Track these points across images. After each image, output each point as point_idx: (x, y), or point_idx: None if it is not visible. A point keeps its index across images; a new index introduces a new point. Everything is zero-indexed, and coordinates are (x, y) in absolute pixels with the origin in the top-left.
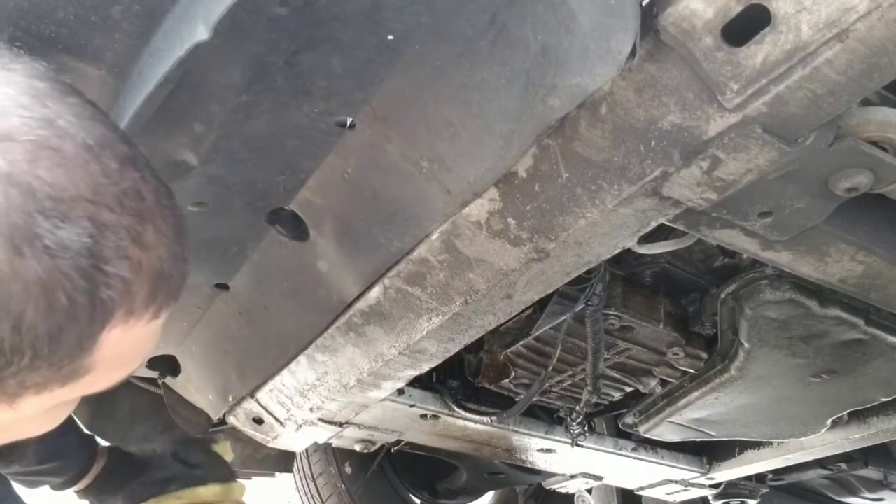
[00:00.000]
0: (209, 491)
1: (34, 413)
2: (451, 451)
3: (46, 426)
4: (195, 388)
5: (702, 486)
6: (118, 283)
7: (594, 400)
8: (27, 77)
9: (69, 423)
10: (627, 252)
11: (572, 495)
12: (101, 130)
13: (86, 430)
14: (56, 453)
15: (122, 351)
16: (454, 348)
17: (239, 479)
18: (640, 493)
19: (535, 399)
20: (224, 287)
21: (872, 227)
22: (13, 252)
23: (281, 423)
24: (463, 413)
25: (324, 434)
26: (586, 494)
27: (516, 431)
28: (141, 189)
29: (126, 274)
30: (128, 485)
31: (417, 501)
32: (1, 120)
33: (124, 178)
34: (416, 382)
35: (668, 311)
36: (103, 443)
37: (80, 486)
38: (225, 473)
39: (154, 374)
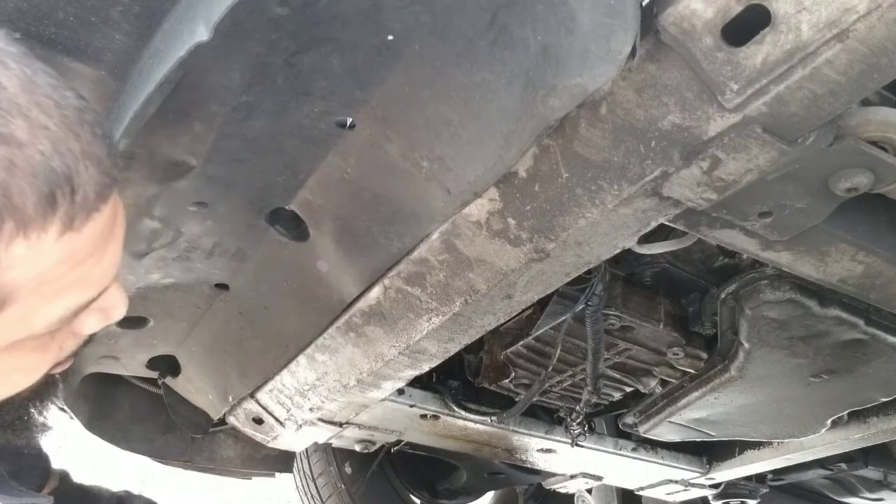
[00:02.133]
0: None
1: None
2: (451, 451)
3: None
4: (195, 388)
5: (702, 486)
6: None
7: (594, 400)
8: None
9: (27, 443)
10: (627, 252)
11: (572, 495)
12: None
13: (43, 451)
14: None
15: (40, 271)
16: (454, 348)
17: None
18: (640, 493)
19: (535, 399)
20: (224, 287)
21: (872, 227)
22: None
23: (281, 423)
24: (463, 413)
25: (324, 434)
26: (586, 494)
27: (516, 431)
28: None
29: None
30: None
31: (417, 501)
32: None
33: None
34: (416, 382)
35: (668, 311)
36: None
37: None
38: None
39: (154, 374)
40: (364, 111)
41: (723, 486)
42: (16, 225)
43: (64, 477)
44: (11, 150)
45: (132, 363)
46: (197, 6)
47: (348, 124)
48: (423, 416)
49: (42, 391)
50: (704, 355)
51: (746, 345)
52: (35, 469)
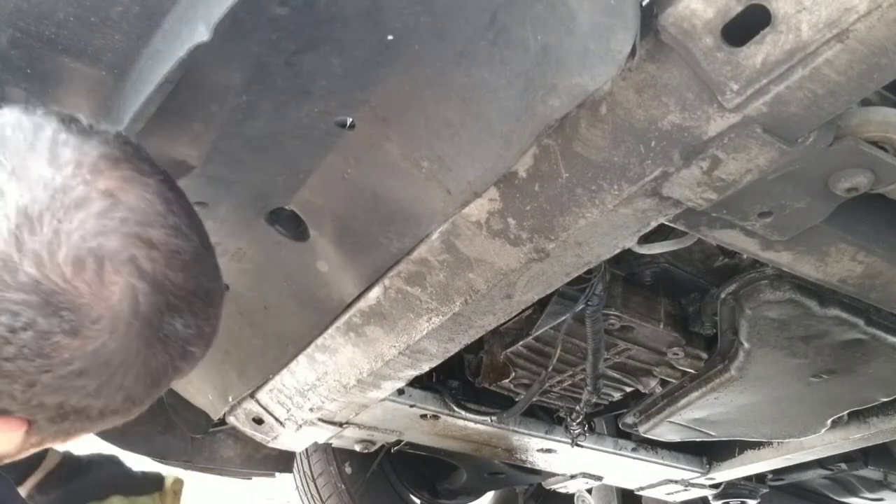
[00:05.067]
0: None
1: None
2: (451, 451)
3: None
4: (195, 388)
5: (702, 486)
6: (195, 360)
7: (594, 400)
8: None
9: None
10: (627, 252)
11: (572, 495)
12: (200, 231)
13: None
14: None
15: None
16: (454, 348)
17: (177, 476)
18: (640, 493)
19: (535, 399)
20: (224, 287)
21: (872, 227)
22: (144, 343)
23: (281, 423)
24: (463, 413)
25: (324, 434)
26: (586, 494)
27: (516, 431)
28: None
29: (199, 352)
30: (65, 485)
31: (417, 501)
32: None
33: (210, 278)
34: (416, 382)
35: (668, 311)
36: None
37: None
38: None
39: None
40: (364, 111)
41: (723, 486)
42: None
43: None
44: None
45: None
46: (197, 6)
47: (348, 124)
48: (423, 416)
49: None
50: (704, 355)
51: (746, 345)
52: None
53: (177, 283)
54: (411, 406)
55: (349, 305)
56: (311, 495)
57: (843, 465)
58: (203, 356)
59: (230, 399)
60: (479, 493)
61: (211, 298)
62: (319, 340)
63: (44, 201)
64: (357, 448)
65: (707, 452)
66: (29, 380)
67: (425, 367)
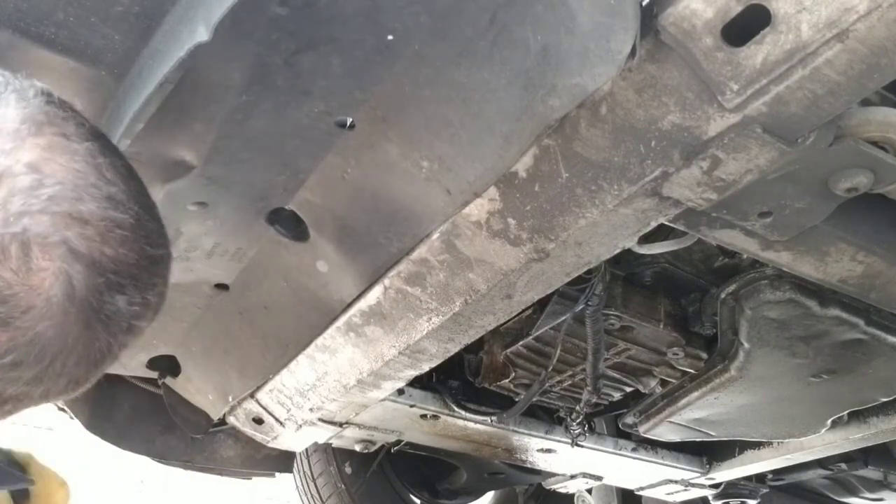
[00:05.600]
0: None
1: None
2: (451, 451)
3: None
4: (195, 388)
5: (702, 486)
6: (139, 333)
7: (594, 400)
8: (87, 151)
9: None
10: (627, 252)
11: (572, 495)
12: (145, 202)
13: None
14: None
15: None
16: (454, 348)
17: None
18: (640, 493)
19: (535, 399)
20: (224, 287)
21: (872, 227)
22: (83, 327)
23: (281, 424)
24: (463, 413)
25: (324, 434)
26: (586, 494)
27: (516, 431)
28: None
29: (145, 325)
30: None
31: (417, 501)
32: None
33: (158, 249)
34: (416, 382)
35: (668, 311)
36: None
37: None
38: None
39: (154, 374)
40: (364, 111)
41: (723, 486)
42: None
43: None
44: None
45: (132, 363)
46: (197, 6)
47: (348, 124)
48: (423, 416)
49: None
50: (704, 355)
51: (746, 345)
52: None
53: (117, 258)
54: (411, 406)
55: (349, 305)
56: (311, 495)
57: (843, 465)
58: (151, 323)
59: (230, 399)
60: (479, 493)
61: (156, 266)
62: (319, 340)
63: None
64: (357, 448)
65: (707, 452)
66: None
67: (425, 367)
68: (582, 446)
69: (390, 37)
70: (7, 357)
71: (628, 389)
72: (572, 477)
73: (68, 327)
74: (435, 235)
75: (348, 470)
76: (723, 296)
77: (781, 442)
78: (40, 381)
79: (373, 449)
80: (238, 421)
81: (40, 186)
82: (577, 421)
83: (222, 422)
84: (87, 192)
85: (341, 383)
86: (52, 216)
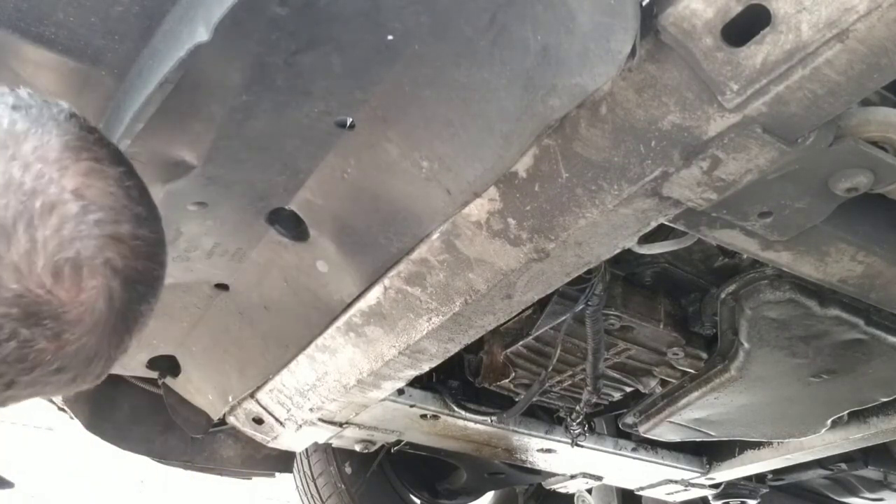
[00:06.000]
0: None
1: None
2: (451, 451)
3: None
4: (195, 388)
5: (702, 486)
6: None
7: (594, 400)
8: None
9: None
10: (627, 252)
11: (572, 495)
12: (158, 214)
13: None
14: None
15: None
16: (454, 348)
17: None
18: (640, 493)
19: (535, 399)
20: (224, 287)
21: (872, 227)
22: (115, 333)
23: (281, 424)
24: (463, 413)
25: (324, 434)
26: (586, 494)
27: (516, 431)
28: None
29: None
30: None
31: (417, 501)
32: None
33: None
34: (416, 382)
35: (668, 311)
36: None
37: None
38: None
39: (154, 374)
40: (364, 111)
41: (723, 486)
42: None
43: None
44: None
45: (132, 363)
46: (197, 6)
47: (348, 124)
48: (423, 416)
49: None
50: (704, 355)
51: (746, 345)
52: None
53: (143, 271)
54: (411, 406)
55: (349, 305)
56: (311, 495)
57: (843, 465)
58: None
59: (230, 399)
60: (479, 493)
61: (164, 270)
62: (319, 340)
63: (16, 209)
64: (357, 448)
65: (707, 452)
66: (8, 381)
67: (425, 367)
68: (582, 446)
69: (390, 37)
70: (54, 364)
71: (628, 389)
72: (572, 477)
73: (107, 336)
74: (435, 235)
75: (348, 470)
76: (723, 296)
77: (781, 442)
78: (74, 381)
79: (373, 449)
80: (238, 421)
81: (87, 213)
82: (577, 421)
83: (222, 422)
84: (122, 214)
85: (341, 383)
86: (97, 239)
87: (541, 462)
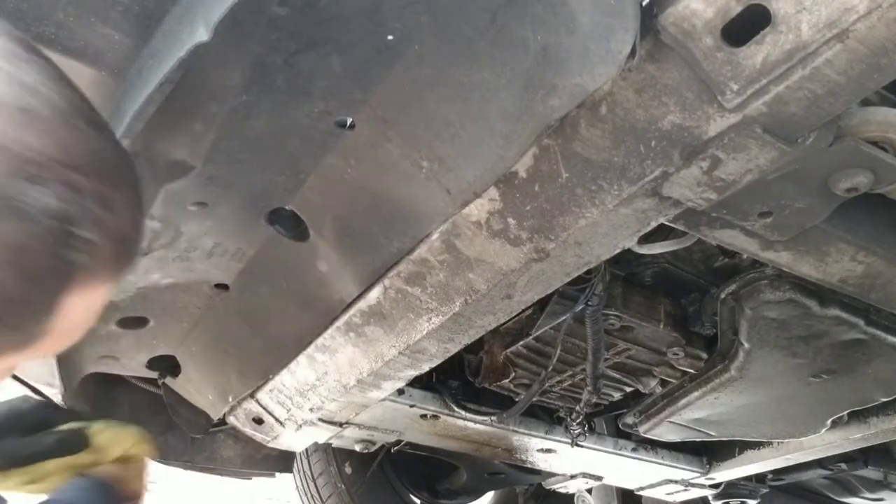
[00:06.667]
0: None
1: None
2: (451, 451)
3: None
4: (195, 388)
5: (702, 486)
6: (87, 247)
7: (594, 400)
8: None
9: None
10: (627, 252)
11: (572, 495)
12: (69, 93)
13: None
14: None
15: (76, 317)
16: (454, 348)
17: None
18: (640, 493)
19: (535, 399)
20: (224, 287)
21: (872, 227)
22: None
23: (281, 424)
24: (463, 413)
25: (324, 434)
26: (586, 494)
27: (516, 431)
28: (110, 154)
29: (95, 238)
30: None
31: (417, 501)
32: None
33: (95, 142)
34: (416, 382)
35: (668, 311)
36: None
37: None
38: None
39: (154, 374)
40: (364, 111)
41: (723, 486)
42: (87, 276)
43: None
44: (111, 218)
45: (132, 363)
46: (197, 6)
47: (348, 124)
48: (423, 416)
49: None
50: (704, 355)
51: (746, 345)
52: None
53: (31, 146)
54: (411, 406)
55: (349, 305)
56: (311, 495)
57: (843, 465)
58: (115, 250)
59: (230, 399)
60: (479, 493)
61: (102, 173)
62: (319, 340)
63: None
64: (357, 448)
65: (707, 452)
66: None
67: (425, 367)
68: (582, 446)
69: (390, 37)
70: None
71: (628, 389)
72: (572, 477)
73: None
74: (435, 235)
75: (348, 470)
76: (723, 296)
77: (781, 442)
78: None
79: (373, 449)
80: (238, 421)
81: None
82: (577, 421)
83: (222, 422)
84: None
85: (341, 383)
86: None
87: (541, 462)
